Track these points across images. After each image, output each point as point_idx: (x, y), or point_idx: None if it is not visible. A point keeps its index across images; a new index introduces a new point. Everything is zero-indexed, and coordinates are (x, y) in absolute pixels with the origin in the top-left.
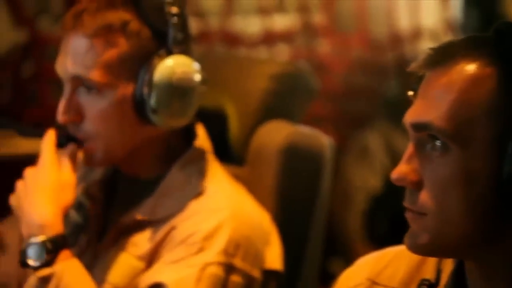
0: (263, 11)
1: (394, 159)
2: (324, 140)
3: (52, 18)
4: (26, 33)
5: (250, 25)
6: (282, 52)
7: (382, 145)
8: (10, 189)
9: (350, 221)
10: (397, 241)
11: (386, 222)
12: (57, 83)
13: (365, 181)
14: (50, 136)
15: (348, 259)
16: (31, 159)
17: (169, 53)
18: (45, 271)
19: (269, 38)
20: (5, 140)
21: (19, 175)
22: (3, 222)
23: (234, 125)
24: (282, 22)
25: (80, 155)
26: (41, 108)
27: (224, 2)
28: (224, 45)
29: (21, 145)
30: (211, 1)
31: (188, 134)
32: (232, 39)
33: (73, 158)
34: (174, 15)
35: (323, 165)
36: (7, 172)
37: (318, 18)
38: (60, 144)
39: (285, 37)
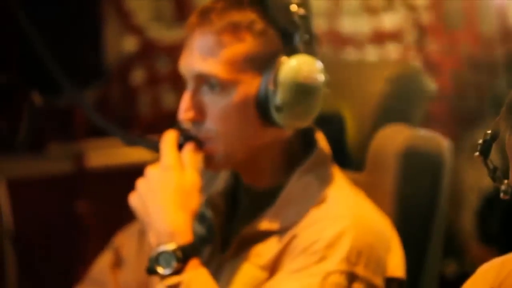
0: (371, 11)
1: (505, 156)
2: (443, 143)
3: (163, 26)
4: (137, 41)
5: (358, 25)
6: (391, 52)
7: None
8: (118, 199)
9: (463, 221)
10: (511, 241)
11: (499, 222)
12: (169, 90)
13: (477, 180)
14: (171, 136)
15: (461, 260)
16: (138, 169)
17: (295, 52)
18: (173, 280)
19: (378, 38)
20: (110, 150)
21: (125, 184)
22: (118, 235)
23: (351, 130)
24: (390, 21)
25: (200, 159)
26: (151, 115)
27: (331, 2)
28: (332, 45)
29: (126, 154)
30: (318, 1)
31: (308, 140)
32: (340, 40)
33: (194, 157)
34: (300, 15)
35: (442, 168)
36: (113, 182)
37: (427, 16)
38: (180, 145)
39: (394, 36)
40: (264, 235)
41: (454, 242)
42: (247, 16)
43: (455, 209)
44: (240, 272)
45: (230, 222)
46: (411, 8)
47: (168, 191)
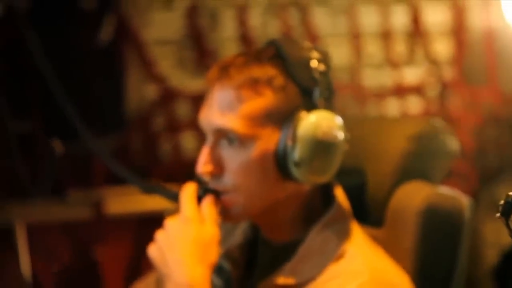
0: (393, 64)
1: None
2: (463, 202)
3: (185, 74)
4: (158, 88)
5: (380, 78)
6: (413, 105)
7: None
8: (136, 246)
9: (481, 277)
10: None
11: None
12: (190, 138)
13: (497, 236)
14: (191, 188)
15: None
16: (156, 217)
17: (315, 108)
18: None
19: (400, 91)
20: (129, 197)
21: (143, 232)
22: (135, 285)
23: (372, 186)
24: (412, 75)
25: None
26: (172, 163)
27: (353, 56)
28: (354, 98)
29: (144, 202)
30: (340, 55)
31: (327, 194)
32: (362, 92)
33: (213, 210)
34: (320, 71)
35: (463, 227)
36: (132, 229)
37: (448, 71)
38: (199, 197)
39: (416, 90)
40: None
41: None
42: (267, 71)
43: (474, 264)
44: None
45: (248, 276)
46: (433, 63)
47: (187, 244)
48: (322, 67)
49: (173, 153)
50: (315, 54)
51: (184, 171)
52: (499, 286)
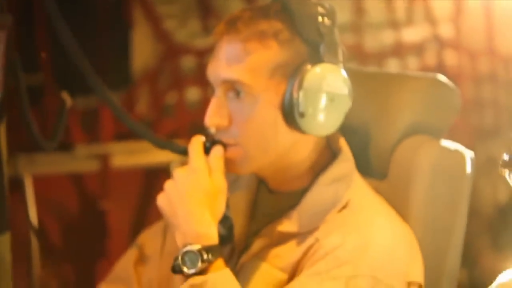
0: (393, 24)
1: None
2: (467, 155)
3: (191, 32)
4: (164, 45)
5: (381, 37)
6: (412, 64)
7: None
8: (146, 196)
9: (476, 233)
10: None
11: None
12: (195, 94)
13: (493, 192)
14: (198, 141)
15: (473, 271)
16: (161, 170)
17: (320, 61)
18: (198, 279)
19: (399, 50)
20: (135, 151)
21: (148, 184)
22: (142, 233)
23: (376, 140)
24: (411, 34)
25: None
26: (177, 119)
27: (354, 16)
28: (355, 58)
29: (150, 156)
30: (341, 14)
31: (332, 146)
32: (363, 52)
33: (221, 161)
34: (325, 26)
35: (465, 180)
36: (137, 181)
37: (447, 30)
38: (207, 149)
39: (415, 49)
40: (285, 237)
41: (467, 253)
42: (273, 25)
43: (469, 220)
44: (259, 273)
45: (251, 223)
46: (432, 22)
47: (195, 194)
48: (328, 21)
49: (178, 109)
50: (320, 9)
51: (190, 127)
52: (493, 240)
